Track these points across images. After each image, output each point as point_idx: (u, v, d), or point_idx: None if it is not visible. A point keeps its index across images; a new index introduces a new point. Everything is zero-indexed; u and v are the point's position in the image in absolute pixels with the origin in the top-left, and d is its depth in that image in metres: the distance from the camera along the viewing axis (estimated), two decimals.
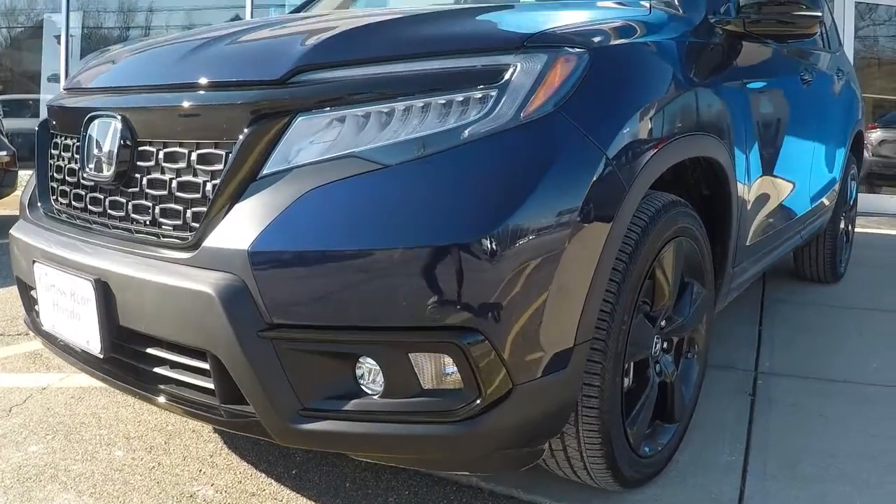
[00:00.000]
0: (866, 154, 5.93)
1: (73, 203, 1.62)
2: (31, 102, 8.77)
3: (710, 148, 1.74)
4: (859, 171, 3.95)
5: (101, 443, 1.91)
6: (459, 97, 1.26)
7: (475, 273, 1.18)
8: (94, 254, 1.44)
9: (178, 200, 1.36)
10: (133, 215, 1.44)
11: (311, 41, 1.34)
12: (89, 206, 1.55)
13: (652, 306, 1.64)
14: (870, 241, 5.39)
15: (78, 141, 1.57)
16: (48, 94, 8.37)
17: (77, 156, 1.58)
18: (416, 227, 1.19)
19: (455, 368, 1.21)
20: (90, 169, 1.51)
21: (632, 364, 1.61)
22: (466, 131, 1.23)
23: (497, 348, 1.21)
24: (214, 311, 1.22)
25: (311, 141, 1.27)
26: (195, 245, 1.29)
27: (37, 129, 1.83)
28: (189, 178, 1.35)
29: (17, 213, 1.87)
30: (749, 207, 2.07)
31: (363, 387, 1.27)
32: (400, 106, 1.26)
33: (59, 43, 8.32)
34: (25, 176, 2.38)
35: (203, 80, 1.37)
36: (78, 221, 1.59)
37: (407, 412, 1.24)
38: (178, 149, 1.37)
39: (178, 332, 1.31)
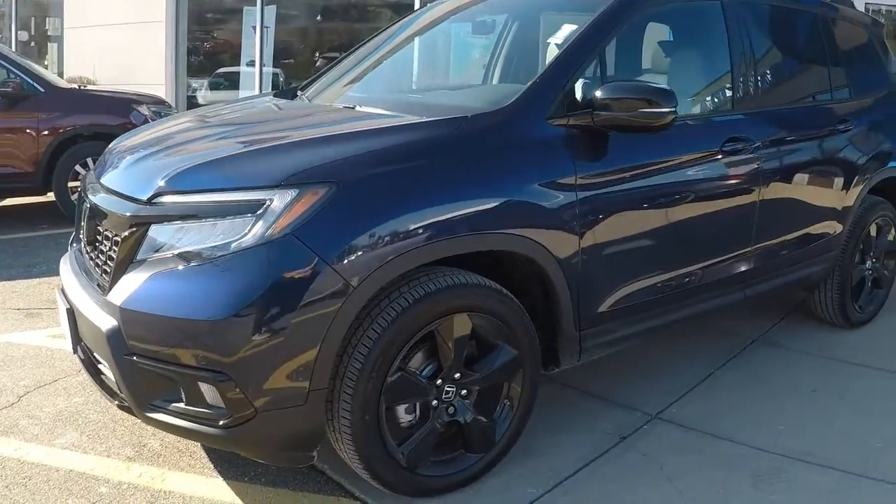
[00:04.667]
0: None
1: (81, 250, 2.56)
2: (235, 76, 10.68)
3: (511, 243, 2.17)
4: None
5: None
6: (237, 220, 1.91)
7: (223, 337, 1.85)
8: (74, 290, 2.35)
9: (105, 265, 2.20)
10: (94, 269, 2.33)
11: (166, 175, 2.05)
12: (84, 256, 2.48)
13: (440, 364, 2.15)
14: None
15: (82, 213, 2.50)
16: (247, 73, 10.11)
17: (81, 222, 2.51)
18: (196, 305, 1.88)
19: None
20: (82, 234, 2.43)
21: (416, 404, 2.16)
22: (233, 244, 1.89)
23: (240, 386, 1.88)
24: (104, 339, 2.05)
25: (157, 241, 2.00)
26: (105, 295, 2.12)
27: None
28: (111, 252, 2.18)
29: None
30: (597, 282, 2.41)
31: (180, 396, 2.01)
32: (206, 222, 1.95)
33: (254, 33, 9.96)
34: None
35: (119, 190, 2.17)
36: (81, 264, 2.53)
37: (197, 416, 1.97)
38: (108, 233, 2.21)
39: (94, 348, 2.17)
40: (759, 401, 2.97)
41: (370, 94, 2.87)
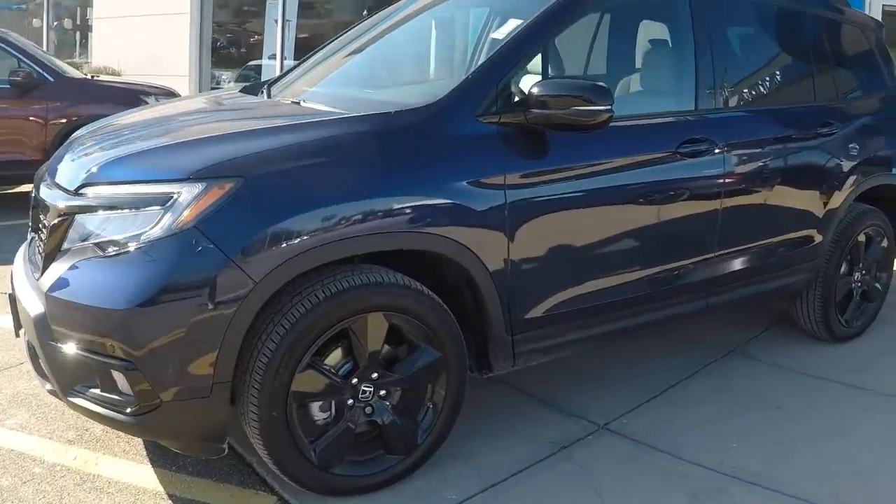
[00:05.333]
0: None
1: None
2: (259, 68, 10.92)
3: (429, 243, 2.16)
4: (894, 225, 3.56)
5: None
6: (149, 212, 1.96)
7: (129, 327, 1.91)
8: (19, 277, 2.44)
9: (42, 253, 2.28)
10: (36, 256, 2.41)
11: (93, 167, 2.13)
12: (33, 244, 2.58)
13: (355, 363, 2.16)
14: None
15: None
16: (270, 66, 10.28)
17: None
18: (106, 294, 1.94)
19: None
20: (31, 223, 2.53)
21: (331, 402, 2.17)
22: (143, 236, 1.94)
23: (145, 375, 1.93)
24: (33, 324, 2.11)
25: (82, 231, 2.06)
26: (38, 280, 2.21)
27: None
28: (46, 240, 2.26)
29: None
30: (529, 286, 2.37)
31: (97, 383, 2.06)
32: (123, 213, 2.01)
33: (276, 26, 10.11)
34: None
35: (57, 182, 2.25)
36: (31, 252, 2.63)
37: (110, 403, 2.03)
38: (46, 222, 2.28)
39: (28, 333, 2.24)
40: (718, 416, 2.87)
41: (325, 90, 2.88)
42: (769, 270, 3.07)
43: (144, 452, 2.51)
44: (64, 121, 5.59)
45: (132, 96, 6.00)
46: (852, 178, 3.28)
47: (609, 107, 2.22)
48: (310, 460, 2.14)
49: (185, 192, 1.95)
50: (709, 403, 2.97)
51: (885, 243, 3.53)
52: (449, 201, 2.18)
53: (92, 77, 6.15)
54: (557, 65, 2.72)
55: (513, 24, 2.45)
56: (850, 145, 3.27)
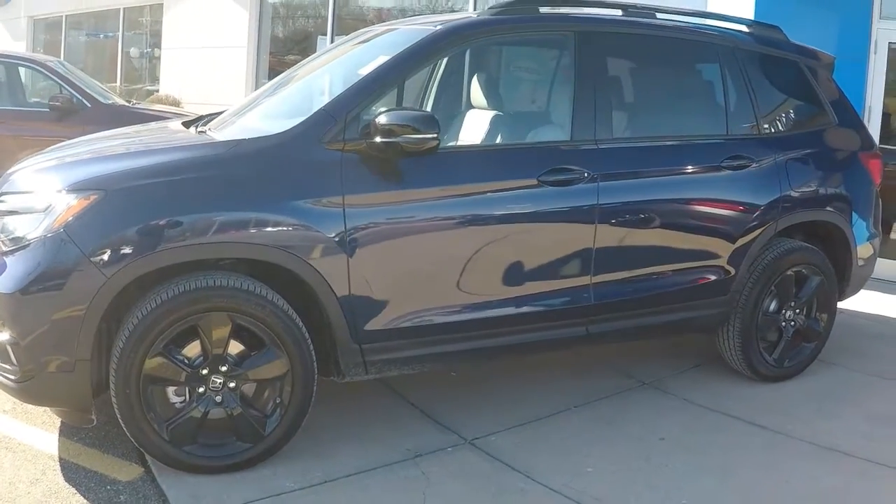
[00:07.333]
0: None
1: None
2: None
3: (266, 254, 2.71)
4: (836, 263, 3.69)
5: None
6: (36, 216, 2.66)
7: (11, 307, 2.59)
8: None
9: None
10: None
11: (13, 178, 2.89)
12: None
13: (206, 355, 2.73)
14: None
15: None
16: None
17: None
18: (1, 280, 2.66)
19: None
20: None
21: (187, 388, 2.75)
22: (29, 235, 2.64)
23: (26, 350, 2.59)
24: None
25: (2, 230, 2.79)
26: None
27: None
28: None
29: None
30: (371, 300, 2.86)
31: None
32: (22, 217, 2.72)
33: None
34: None
35: None
36: None
37: (3, 370, 2.71)
38: None
39: None
40: (592, 442, 3.17)
41: (238, 121, 3.43)
42: (663, 302, 3.34)
43: (58, 424, 3.21)
44: None
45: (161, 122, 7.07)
46: (770, 213, 3.49)
47: (434, 135, 2.72)
48: (161, 436, 2.73)
49: (61, 202, 2.63)
50: (589, 430, 3.27)
51: (822, 282, 3.67)
52: (287, 218, 2.72)
53: (131, 104, 7.31)
54: (431, 98, 3.23)
55: (379, 62, 3.02)
56: (769, 179, 3.48)
